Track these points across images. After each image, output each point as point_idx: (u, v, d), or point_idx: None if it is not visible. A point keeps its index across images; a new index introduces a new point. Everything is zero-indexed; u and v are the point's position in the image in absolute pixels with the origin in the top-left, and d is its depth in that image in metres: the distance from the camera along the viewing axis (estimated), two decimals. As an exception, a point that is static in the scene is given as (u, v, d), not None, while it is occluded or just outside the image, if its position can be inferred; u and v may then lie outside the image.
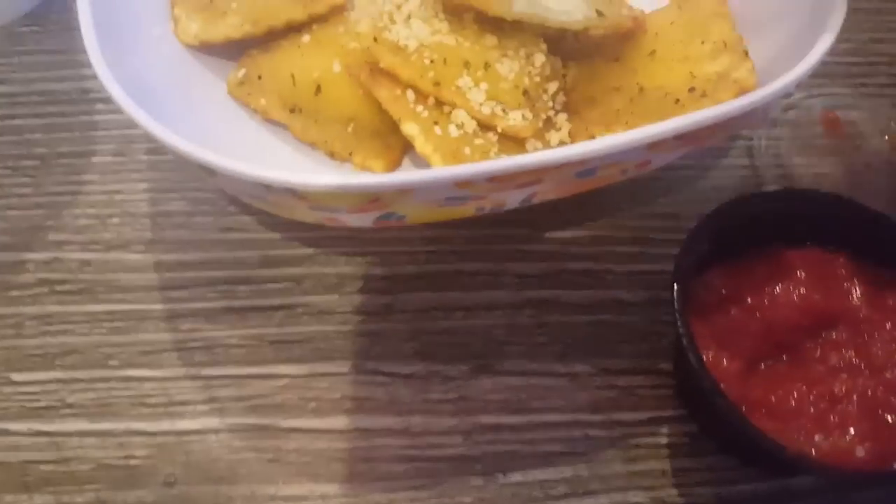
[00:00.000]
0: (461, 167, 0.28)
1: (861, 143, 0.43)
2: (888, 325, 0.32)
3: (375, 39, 0.35)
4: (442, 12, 0.36)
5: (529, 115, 0.35)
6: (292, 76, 0.38)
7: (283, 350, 0.35)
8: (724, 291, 0.32)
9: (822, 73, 0.46)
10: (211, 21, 0.38)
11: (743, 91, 0.34)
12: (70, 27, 0.46)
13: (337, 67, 0.38)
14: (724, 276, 0.32)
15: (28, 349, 0.35)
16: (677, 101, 0.35)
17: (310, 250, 0.38)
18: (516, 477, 0.33)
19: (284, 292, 0.36)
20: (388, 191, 0.28)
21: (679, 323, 0.30)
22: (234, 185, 0.31)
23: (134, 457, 0.32)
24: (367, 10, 0.39)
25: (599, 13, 0.38)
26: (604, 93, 0.38)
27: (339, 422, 0.34)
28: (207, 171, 0.28)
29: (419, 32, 0.35)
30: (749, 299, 0.32)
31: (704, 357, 0.30)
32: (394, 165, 0.38)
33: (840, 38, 0.47)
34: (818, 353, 0.31)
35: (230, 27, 0.38)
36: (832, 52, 0.46)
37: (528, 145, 0.36)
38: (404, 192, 0.28)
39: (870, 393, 0.30)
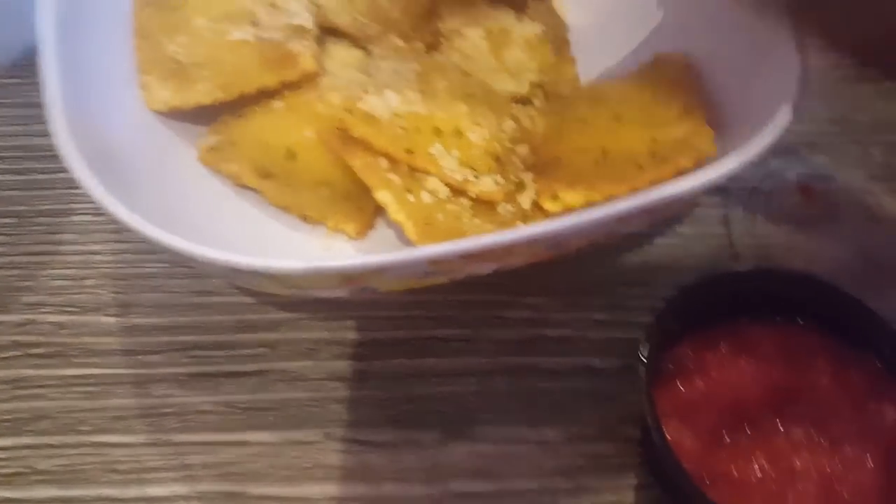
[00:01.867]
0: (435, 247, 0.28)
1: (836, 213, 0.44)
2: (850, 402, 0.32)
3: (348, 110, 0.36)
4: (414, 82, 0.37)
5: (501, 179, 0.36)
6: (265, 142, 0.38)
7: (256, 417, 0.35)
8: (691, 366, 0.32)
9: (801, 143, 0.47)
10: (181, 88, 0.38)
11: (701, 157, 0.34)
12: (51, 82, 0.46)
13: (309, 133, 0.38)
14: (692, 351, 0.33)
15: (-1, 414, 0.35)
16: (639, 165, 0.36)
17: (285, 315, 0.38)
18: (487, 545, 0.33)
19: (258, 358, 0.37)
20: (359, 273, 0.28)
21: (644, 401, 0.30)
22: (203, 267, 0.31)
23: (104, 525, 0.33)
24: (338, 77, 0.39)
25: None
26: (569, 154, 0.38)
27: (311, 490, 0.34)
28: (177, 256, 0.28)
29: (391, 102, 0.36)
30: (714, 373, 0.32)
31: (668, 429, 0.31)
32: (367, 228, 0.38)
33: (821, 106, 0.49)
34: (781, 428, 0.32)
35: (201, 94, 0.38)
36: (812, 119, 0.48)
37: (500, 208, 0.36)
38: (379, 271, 0.29)
39: (828, 469, 0.31)
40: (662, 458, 0.30)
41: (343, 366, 0.37)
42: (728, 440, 0.32)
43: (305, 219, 0.38)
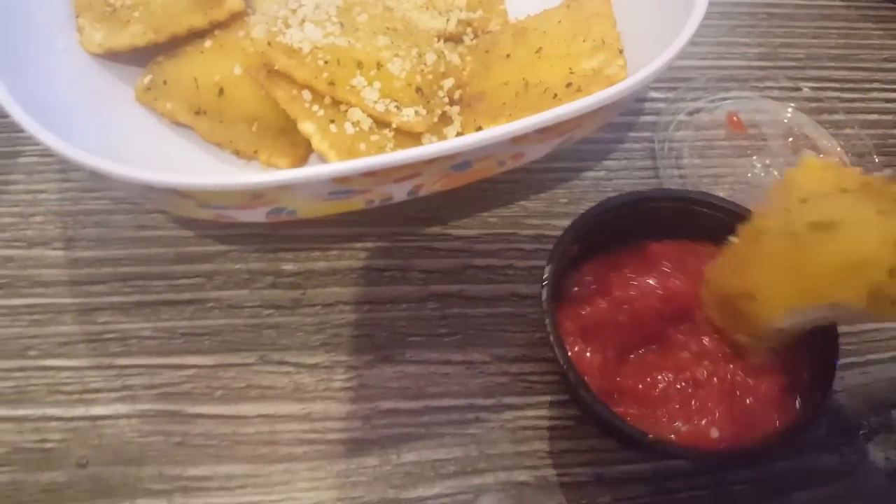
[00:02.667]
0: (329, 165, 0.29)
1: (763, 144, 0.45)
2: None
3: (269, 43, 0.37)
4: (335, 16, 0.38)
5: (423, 111, 0.37)
6: (195, 80, 0.39)
7: (193, 342, 0.37)
8: (594, 286, 0.34)
9: (729, 77, 0.48)
10: (114, 30, 0.39)
11: (614, 84, 0.35)
12: None
13: (238, 70, 0.39)
14: (596, 272, 0.34)
15: (-52, 342, 0.37)
16: (555, 95, 0.37)
17: (222, 247, 0.39)
18: (410, 457, 0.35)
19: (196, 287, 0.38)
20: (266, 188, 0.30)
21: (547, 321, 0.31)
22: (124, 188, 0.33)
23: (49, 440, 0.34)
24: (266, 16, 0.41)
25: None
26: (493, 88, 0.40)
27: (244, 409, 0.36)
28: (96, 175, 0.30)
29: (312, 35, 0.37)
30: (616, 293, 0.33)
31: (574, 349, 0.32)
32: (300, 162, 0.40)
33: (751, 44, 0.50)
34: (682, 340, 0.33)
35: (134, 35, 0.39)
36: (743, 56, 0.49)
37: (424, 139, 0.38)
38: (285, 188, 0.31)
39: (729, 378, 0.32)
40: (566, 375, 0.31)
41: (278, 294, 0.39)
42: (632, 356, 0.33)
43: (238, 153, 0.40)
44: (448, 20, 0.43)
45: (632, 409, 0.32)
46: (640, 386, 0.32)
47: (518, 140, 0.32)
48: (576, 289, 0.34)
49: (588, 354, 0.33)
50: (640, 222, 0.34)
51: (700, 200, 0.35)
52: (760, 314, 0.29)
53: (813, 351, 0.32)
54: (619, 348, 0.33)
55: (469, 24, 0.43)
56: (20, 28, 0.36)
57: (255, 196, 0.30)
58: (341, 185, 0.31)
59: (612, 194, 0.41)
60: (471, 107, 0.39)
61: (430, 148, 0.30)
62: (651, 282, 0.34)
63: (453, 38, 0.43)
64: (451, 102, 0.40)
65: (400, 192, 0.35)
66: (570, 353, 0.32)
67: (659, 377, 0.33)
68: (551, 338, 0.32)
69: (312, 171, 0.29)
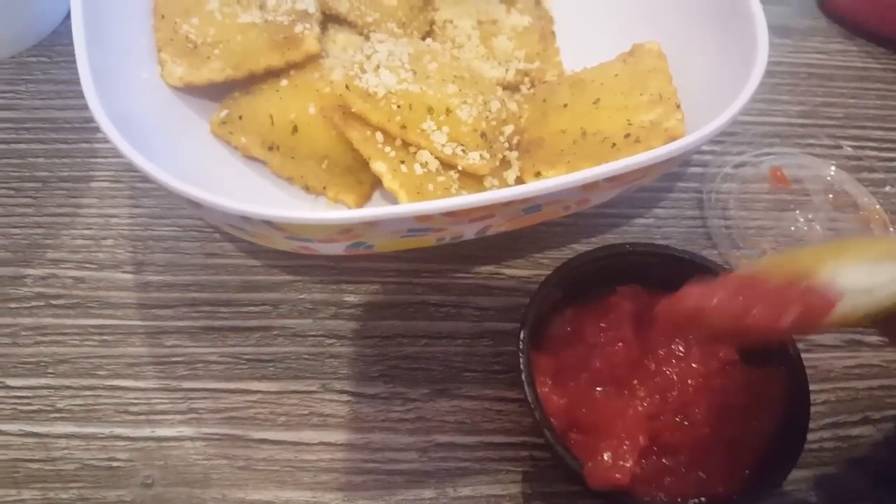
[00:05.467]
0: (421, 204, 0.31)
1: (806, 199, 0.47)
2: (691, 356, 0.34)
3: (347, 87, 0.38)
4: (407, 63, 0.40)
5: (487, 155, 0.39)
6: (271, 117, 0.41)
7: (258, 368, 0.38)
8: (569, 329, 0.35)
9: (773, 133, 0.50)
10: (195, 65, 0.41)
11: (672, 139, 0.37)
12: (74, 59, 0.50)
13: (312, 110, 0.41)
14: (572, 317, 0.36)
15: (23, 357, 0.38)
16: (614, 145, 0.39)
17: (287, 277, 0.41)
18: (466, 491, 0.36)
19: (262, 315, 0.40)
20: (356, 224, 0.31)
21: (521, 362, 0.33)
22: (217, 217, 0.34)
23: (116, 459, 0.35)
24: (339, 59, 0.43)
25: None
26: (551, 135, 0.42)
27: (306, 435, 0.37)
28: (194, 204, 0.31)
29: (387, 81, 0.39)
30: (589, 339, 0.34)
31: (543, 388, 0.33)
32: (364, 200, 0.42)
33: (793, 102, 0.52)
34: (637, 382, 0.34)
35: (213, 71, 0.41)
36: (785, 114, 0.51)
37: (486, 182, 0.40)
38: (371, 224, 0.32)
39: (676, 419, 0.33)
40: (533, 413, 0.32)
41: (340, 324, 0.40)
42: (595, 397, 0.34)
43: (307, 189, 0.41)
44: (507, 70, 0.45)
45: (581, 444, 0.33)
46: (597, 424, 0.33)
47: (589, 187, 0.33)
48: (555, 331, 0.36)
49: (552, 393, 0.34)
50: (622, 272, 0.36)
51: (681, 257, 0.36)
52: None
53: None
54: (581, 390, 0.34)
55: (527, 74, 0.45)
56: (112, 59, 0.38)
57: (344, 230, 0.32)
58: (422, 223, 0.32)
59: (661, 241, 0.43)
60: (529, 152, 0.41)
61: (513, 190, 0.31)
62: (616, 331, 0.34)
63: (511, 87, 0.45)
64: (511, 147, 0.41)
65: (470, 231, 0.36)
66: (539, 393, 0.33)
67: (612, 414, 0.33)
68: (524, 378, 0.33)
69: (403, 208, 0.30)
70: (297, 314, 0.40)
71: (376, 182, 0.41)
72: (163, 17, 0.42)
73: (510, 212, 0.34)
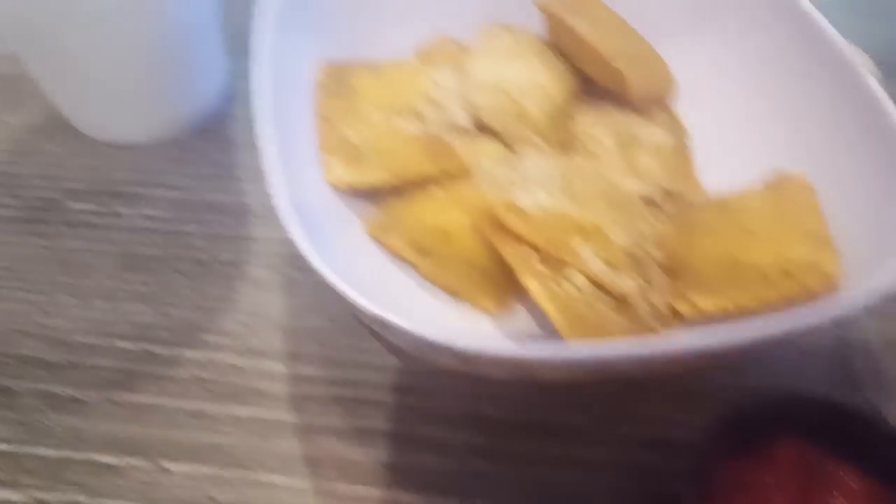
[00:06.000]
0: (596, 346, 0.32)
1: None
2: None
3: (501, 203, 0.40)
4: (559, 182, 0.41)
5: (638, 279, 0.39)
6: (424, 223, 0.43)
7: (406, 478, 0.39)
8: (731, 483, 0.34)
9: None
10: (356, 168, 0.44)
11: (828, 281, 0.37)
12: (234, 143, 0.53)
13: (463, 219, 0.43)
14: (736, 469, 0.34)
15: (180, 441, 0.40)
16: (767, 279, 0.39)
17: (431, 382, 0.42)
18: None
19: (406, 421, 0.41)
20: (549, 365, 0.32)
21: None
22: (377, 324, 0.35)
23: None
24: (490, 171, 0.44)
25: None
26: (700, 261, 0.41)
27: (446, 547, 0.37)
28: (371, 321, 0.33)
29: (540, 199, 0.40)
30: (753, 493, 0.33)
31: None
32: (505, 308, 0.42)
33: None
34: None
35: (372, 175, 0.43)
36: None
37: (635, 306, 0.40)
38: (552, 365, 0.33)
39: None
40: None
41: (480, 440, 0.40)
42: None
43: (453, 294, 0.42)
44: (648, 187, 0.45)
45: None
46: None
47: (757, 342, 0.33)
48: (716, 482, 0.34)
49: None
50: (786, 422, 0.35)
51: (850, 411, 0.34)
52: None
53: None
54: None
55: (667, 191, 0.46)
56: (289, 157, 0.40)
57: (518, 367, 0.33)
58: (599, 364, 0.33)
59: (805, 379, 0.42)
60: (678, 277, 0.41)
61: (682, 340, 0.32)
62: (781, 489, 0.33)
63: (651, 204, 0.45)
64: (659, 270, 0.42)
65: (639, 370, 0.36)
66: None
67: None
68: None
69: (576, 350, 0.31)
70: (440, 423, 0.40)
71: (518, 291, 0.42)
72: (326, 119, 0.45)
73: (678, 359, 0.35)
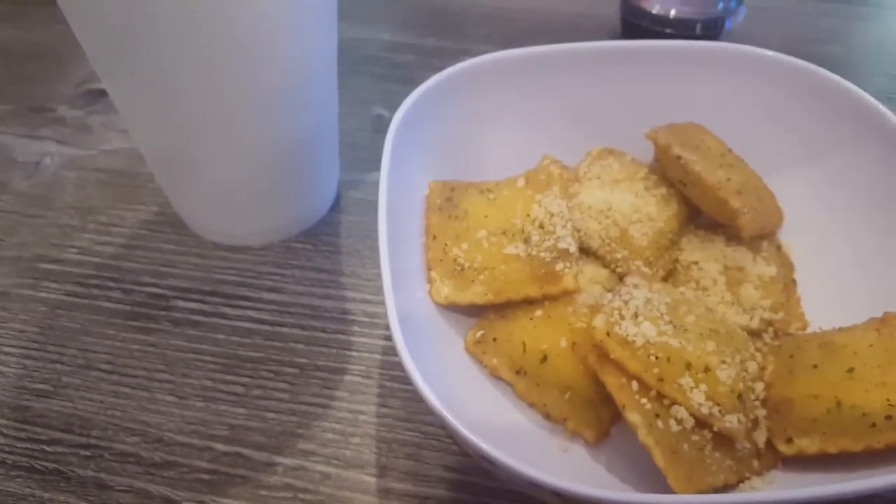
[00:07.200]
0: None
1: None
2: None
3: (608, 333, 0.40)
4: (665, 314, 0.41)
5: (742, 418, 0.39)
6: (523, 343, 0.44)
7: None
8: None
9: None
10: (460, 287, 0.45)
11: None
12: (337, 250, 0.55)
13: (563, 342, 0.43)
14: None
15: (271, 550, 0.40)
16: (874, 425, 0.38)
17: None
18: None
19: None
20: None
21: None
22: (476, 451, 0.36)
23: None
24: (594, 298, 0.45)
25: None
26: (801, 398, 0.41)
27: None
28: (485, 459, 0.33)
29: (647, 331, 0.40)
30: None
31: None
32: (603, 436, 0.42)
33: None
34: None
35: (476, 295, 0.45)
36: None
37: (738, 444, 0.39)
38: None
39: None
40: None
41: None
42: None
43: (548, 417, 0.42)
44: (752, 318, 0.45)
45: None
46: None
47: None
48: None
49: None
50: None
51: None
52: None
53: None
54: None
55: (770, 323, 0.45)
56: (402, 274, 0.41)
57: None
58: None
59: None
60: (779, 413, 0.40)
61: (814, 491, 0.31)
62: None
63: (753, 335, 0.45)
64: (759, 405, 0.41)
65: None
66: None
67: None
68: None
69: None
70: (530, 549, 0.40)
71: (615, 418, 0.42)
72: (434, 237, 0.47)
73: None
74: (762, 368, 0.43)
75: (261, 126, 0.48)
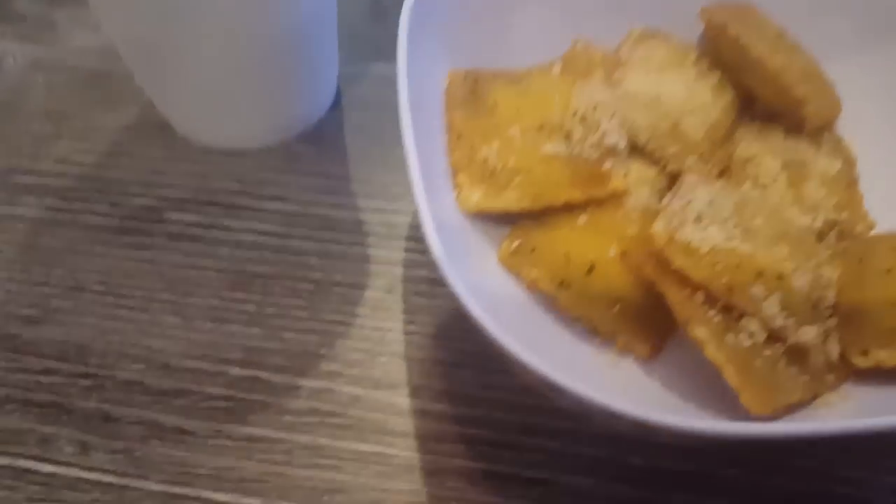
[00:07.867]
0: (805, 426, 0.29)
1: None
2: None
3: (670, 240, 0.36)
4: (731, 217, 0.37)
5: (818, 328, 0.36)
6: (567, 254, 0.39)
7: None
8: None
9: None
10: (491, 193, 0.40)
11: None
12: (343, 153, 0.50)
13: (611, 251, 0.39)
14: None
15: (298, 479, 0.37)
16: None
17: (567, 424, 0.38)
18: None
19: (542, 466, 0.37)
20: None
21: None
22: (529, 377, 0.32)
23: None
24: (648, 200, 0.40)
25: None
26: (875, 305, 0.37)
27: None
28: (550, 388, 0.29)
29: (713, 236, 0.36)
30: None
31: None
32: (657, 351, 0.39)
33: None
34: None
35: (510, 200, 0.40)
36: None
37: (813, 358, 0.36)
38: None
39: None
40: None
41: (623, 490, 0.37)
42: None
43: (595, 331, 0.39)
44: (815, 219, 0.41)
45: None
46: None
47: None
48: None
49: None
50: None
51: None
52: None
53: None
54: None
55: (835, 224, 0.41)
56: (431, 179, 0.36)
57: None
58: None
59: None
60: (850, 324, 0.37)
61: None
62: None
63: (823, 241, 0.41)
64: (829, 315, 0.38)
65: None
66: None
67: None
68: None
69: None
70: (579, 471, 0.37)
71: (669, 332, 0.38)
72: (459, 136, 0.41)
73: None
74: (833, 275, 0.40)
75: (251, 6, 0.41)
